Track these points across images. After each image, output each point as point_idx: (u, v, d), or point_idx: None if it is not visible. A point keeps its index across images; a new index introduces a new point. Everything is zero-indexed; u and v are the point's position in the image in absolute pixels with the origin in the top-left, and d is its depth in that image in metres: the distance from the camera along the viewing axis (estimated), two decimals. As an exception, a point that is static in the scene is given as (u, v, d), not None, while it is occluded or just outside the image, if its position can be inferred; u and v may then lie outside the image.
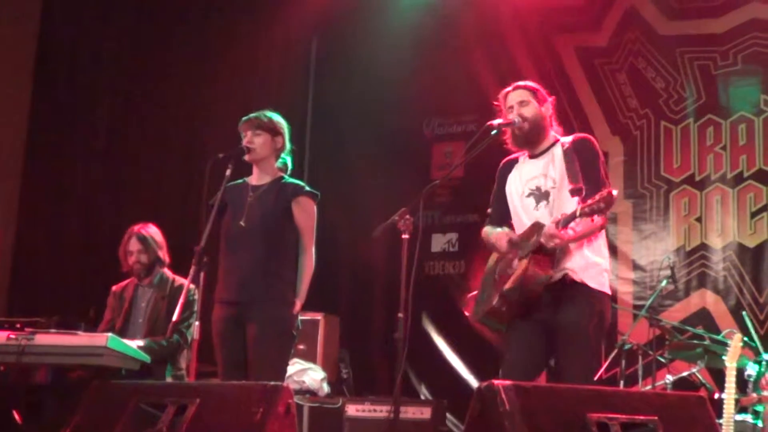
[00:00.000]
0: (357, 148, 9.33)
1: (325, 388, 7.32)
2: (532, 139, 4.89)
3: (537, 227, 4.61)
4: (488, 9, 9.01)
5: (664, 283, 7.29)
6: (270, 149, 5.26)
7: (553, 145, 4.90)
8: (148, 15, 9.79)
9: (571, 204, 4.53)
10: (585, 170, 4.65)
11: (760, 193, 7.83)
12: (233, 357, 5.07)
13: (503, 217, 5.00)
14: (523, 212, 4.83)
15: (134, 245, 6.28)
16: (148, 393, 3.74)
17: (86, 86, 9.82)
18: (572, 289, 4.63)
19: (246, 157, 5.21)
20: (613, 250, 8.24)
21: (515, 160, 5.02)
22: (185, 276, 6.17)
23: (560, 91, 8.61)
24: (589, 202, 4.31)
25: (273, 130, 5.26)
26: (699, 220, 8.05)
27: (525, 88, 4.96)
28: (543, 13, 8.83)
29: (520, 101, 4.89)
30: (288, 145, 5.36)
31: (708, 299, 7.94)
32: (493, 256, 4.98)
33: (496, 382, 3.15)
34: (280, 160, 5.35)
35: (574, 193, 4.50)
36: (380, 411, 6.82)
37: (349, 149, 9.42)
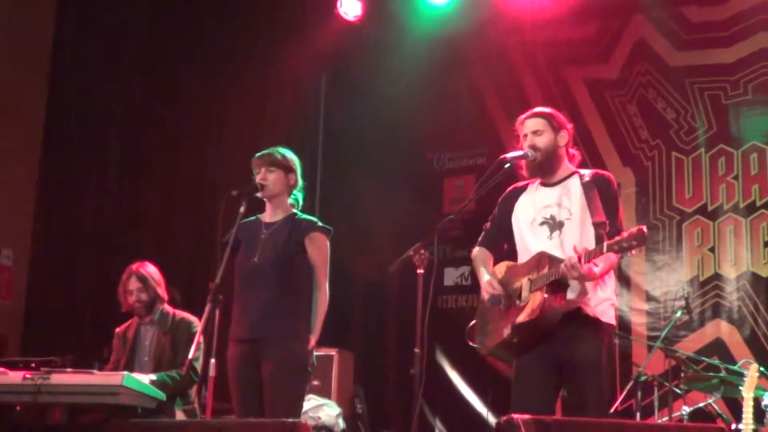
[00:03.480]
0: (368, 183, 9.35)
1: (341, 425, 7.29)
2: (546, 169, 4.87)
3: (544, 258, 4.59)
4: (497, 42, 9.07)
5: (679, 314, 7.25)
6: (283, 186, 5.29)
7: (570, 176, 4.88)
8: (159, 54, 9.86)
9: (586, 238, 4.56)
10: (606, 207, 4.64)
11: (773, 223, 7.83)
12: (249, 394, 5.06)
13: (497, 241, 5.01)
14: (533, 240, 4.79)
15: (134, 284, 6.31)
16: None
17: (98, 125, 9.88)
18: (585, 322, 4.62)
19: (259, 194, 5.23)
20: (626, 281, 8.24)
21: (524, 187, 5.00)
22: (189, 311, 6.23)
23: (571, 123, 8.64)
24: (618, 238, 4.29)
25: (286, 167, 5.29)
26: (712, 250, 8.03)
27: (541, 115, 4.95)
28: (552, 46, 8.87)
29: (534, 130, 4.88)
30: (300, 182, 5.37)
31: (723, 329, 7.89)
32: None
33: (515, 416, 3.13)
34: (292, 196, 5.37)
35: (598, 227, 4.50)
36: (395, 447, 6.79)
37: (360, 184, 9.43)
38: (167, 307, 6.35)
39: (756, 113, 8.05)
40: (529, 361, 4.68)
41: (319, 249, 5.22)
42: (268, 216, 5.32)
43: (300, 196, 5.44)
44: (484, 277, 4.86)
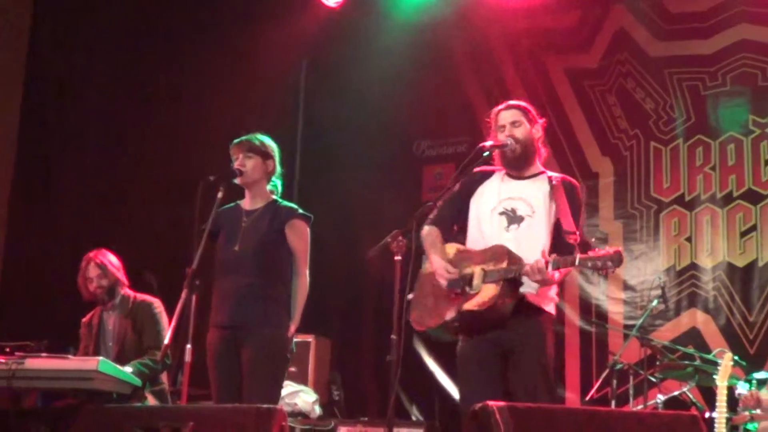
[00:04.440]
0: (347, 169, 9.33)
1: (317, 411, 7.31)
2: (522, 162, 4.86)
3: (503, 253, 4.57)
4: (478, 30, 9.07)
5: (654, 303, 7.30)
6: (261, 172, 5.28)
7: (539, 174, 4.89)
8: (137, 39, 9.79)
9: (542, 239, 4.62)
10: (574, 215, 4.68)
11: (749, 213, 7.86)
12: (227, 380, 5.06)
13: (450, 221, 4.96)
14: (489, 228, 4.77)
15: (93, 271, 6.30)
16: (142, 417, 3.73)
17: (75, 111, 9.81)
18: (531, 311, 4.66)
19: (237, 180, 5.22)
20: (604, 270, 8.24)
21: (490, 173, 4.96)
22: (166, 297, 6.22)
23: (550, 112, 8.66)
24: (593, 255, 4.34)
25: (264, 153, 5.28)
26: (689, 240, 8.08)
27: (517, 107, 4.93)
28: (533, 35, 8.88)
29: (512, 121, 4.85)
30: (279, 168, 5.36)
31: (698, 319, 7.95)
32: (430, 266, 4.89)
33: (490, 403, 3.14)
34: (271, 183, 5.36)
35: (568, 236, 4.54)
36: (371, 433, 6.80)
37: (340, 171, 9.42)
38: (128, 291, 6.36)
39: (734, 104, 8.09)
40: (474, 347, 4.71)
41: (299, 236, 5.22)
42: (248, 203, 5.31)
43: (279, 183, 5.43)
44: (438, 259, 4.80)
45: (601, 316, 8.16)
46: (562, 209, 4.67)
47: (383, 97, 9.14)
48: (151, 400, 5.90)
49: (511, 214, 4.75)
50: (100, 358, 5.49)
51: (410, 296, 4.76)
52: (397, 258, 4.65)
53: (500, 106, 4.96)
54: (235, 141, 5.31)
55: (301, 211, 5.26)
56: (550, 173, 4.90)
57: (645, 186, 8.33)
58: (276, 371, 5.11)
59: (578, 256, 4.37)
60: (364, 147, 9.24)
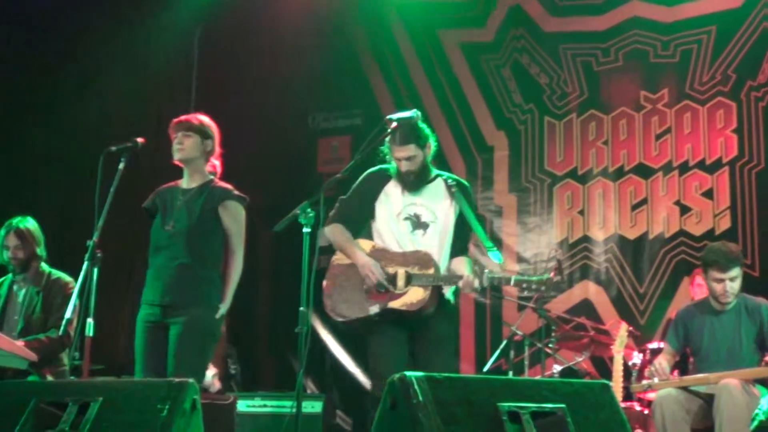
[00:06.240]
0: (241, 141, 9.18)
1: (217, 385, 7.24)
2: (420, 181, 5.08)
3: (430, 260, 4.89)
4: (374, 3, 9.04)
5: (546, 276, 7.41)
6: (199, 151, 5.19)
7: (434, 179, 5.13)
8: (31, 13, 9.45)
9: (447, 243, 5.01)
10: (477, 218, 5.02)
11: (640, 187, 8.05)
12: (154, 358, 4.98)
13: (359, 222, 5.14)
14: (398, 232, 5.04)
15: (11, 240, 6.09)
16: (48, 392, 3.60)
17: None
18: (443, 303, 5.00)
19: (176, 158, 5.15)
20: (498, 242, 8.39)
21: (390, 174, 5.15)
22: (62, 268, 6.06)
23: (446, 85, 8.74)
24: (527, 278, 4.77)
25: (203, 133, 5.20)
26: (581, 213, 8.25)
27: (413, 142, 5.02)
28: (429, 9, 8.88)
29: (407, 156, 4.99)
30: (217, 149, 5.29)
31: (590, 290, 8.14)
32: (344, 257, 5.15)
33: (408, 374, 3.14)
34: (210, 163, 5.29)
35: (491, 250, 4.88)
36: (271, 406, 6.76)
37: (233, 143, 9.23)
38: (44, 266, 6.16)
39: (626, 80, 8.26)
40: (391, 334, 4.95)
41: (233, 217, 5.16)
42: (185, 183, 5.23)
43: (218, 163, 5.36)
44: (363, 256, 5.03)
45: (496, 288, 8.26)
46: (461, 211, 5.02)
47: (278, 69, 9.07)
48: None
49: (415, 220, 5.04)
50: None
51: (325, 283, 5.09)
52: (306, 230, 4.70)
53: (396, 144, 5.01)
54: (175, 120, 5.22)
55: (236, 192, 5.21)
56: (444, 175, 5.15)
57: (539, 160, 8.47)
58: (202, 351, 5.04)
59: (514, 276, 4.81)
60: (259, 118, 9.15)
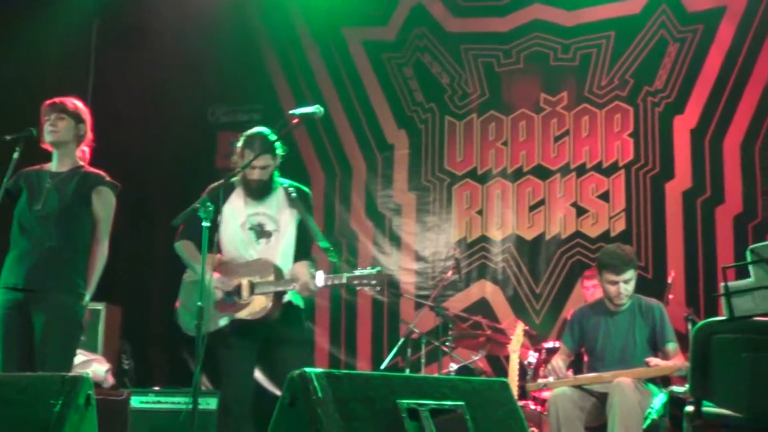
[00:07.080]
0: (139, 134, 9.04)
1: (110, 381, 7.10)
2: (264, 191, 5.27)
3: (269, 267, 5.10)
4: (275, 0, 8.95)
5: (378, 268, 7.42)
6: (72, 135, 5.13)
7: (277, 188, 5.30)
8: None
9: (290, 250, 5.24)
10: (311, 223, 5.22)
11: (538, 188, 8.15)
12: (16, 346, 4.86)
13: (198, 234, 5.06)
14: (243, 242, 5.23)
15: None
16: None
17: None
18: (292, 310, 5.22)
19: (47, 140, 5.04)
20: (397, 241, 8.42)
21: (232, 187, 5.28)
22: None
23: (348, 83, 8.71)
24: (358, 274, 4.96)
25: (76, 117, 5.15)
26: (480, 213, 8.30)
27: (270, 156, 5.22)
28: (333, 6, 8.81)
29: (262, 166, 5.16)
30: (89, 135, 5.19)
31: (487, 289, 8.21)
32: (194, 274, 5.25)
33: (308, 370, 3.11)
34: (80, 149, 5.18)
35: (328, 251, 5.04)
36: (165, 402, 6.64)
37: (131, 136, 9.10)
38: None
39: (526, 82, 8.35)
40: (240, 350, 5.16)
41: (104, 204, 5.09)
42: (54, 165, 5.09)
43: (87, 150, 5.25)
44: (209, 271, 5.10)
45: (394, 286, 8.29)
46: (302, 218, 5.23)
47: (178, 61, 8.89)
48: None
49: (259, 229, 5.25)
50: None
51: (177, 302, 5.30)
52: (206, 224, 4.69)
53: (254, 152, 5.13)
54: (48, 102, 5.11)
55: (108, 179, 5.12)
56: (285, 184, 5.33)
57: (439, 159, 8.50)
58: (69, 339, 4.98)
59: (345, 275, 5.00)
60: (157, 111, 8.98)
